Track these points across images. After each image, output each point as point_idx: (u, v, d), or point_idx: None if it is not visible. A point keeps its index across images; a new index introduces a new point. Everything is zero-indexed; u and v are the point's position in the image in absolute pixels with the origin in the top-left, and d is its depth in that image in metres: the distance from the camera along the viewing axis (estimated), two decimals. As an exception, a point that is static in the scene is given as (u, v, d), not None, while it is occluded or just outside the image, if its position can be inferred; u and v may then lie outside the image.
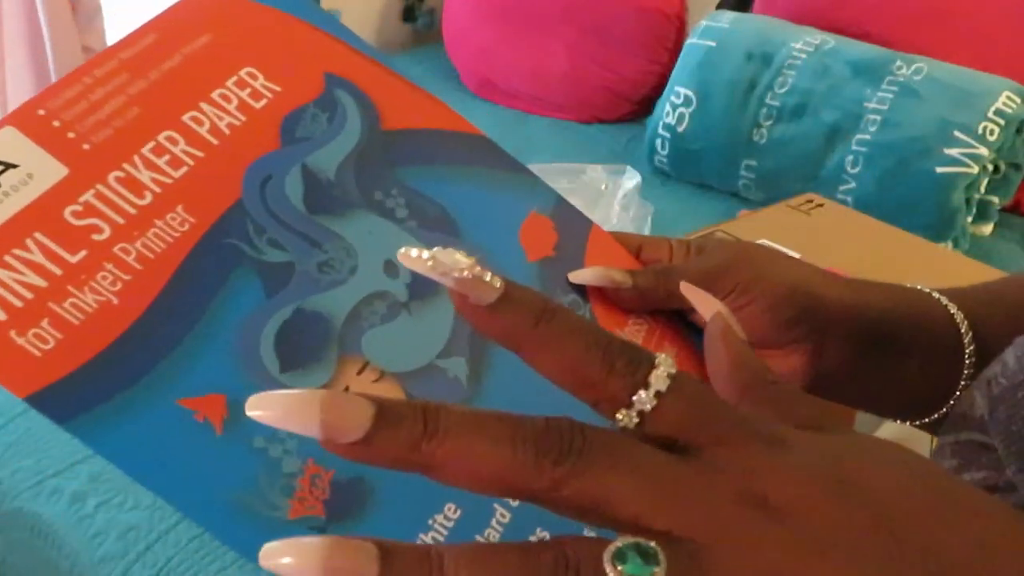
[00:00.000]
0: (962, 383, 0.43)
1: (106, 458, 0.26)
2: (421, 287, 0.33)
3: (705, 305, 0.36)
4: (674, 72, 1.88)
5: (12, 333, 0.26)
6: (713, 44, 1.83)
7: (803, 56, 1.76)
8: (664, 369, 0.24)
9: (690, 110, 1.82)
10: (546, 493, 0.22)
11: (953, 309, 0.44)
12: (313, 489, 0.28)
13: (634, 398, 0.24)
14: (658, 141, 1.87)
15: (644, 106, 2.08)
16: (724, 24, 1.86)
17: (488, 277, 0.24)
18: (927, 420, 0.44)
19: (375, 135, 0.36)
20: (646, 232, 1.43)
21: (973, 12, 1.80)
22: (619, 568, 0.21)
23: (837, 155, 1.69)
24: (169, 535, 1.08)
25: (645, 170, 1.83)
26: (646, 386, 0.24)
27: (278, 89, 0.35)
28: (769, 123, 1.75)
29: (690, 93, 1.82)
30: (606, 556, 0.21)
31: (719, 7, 2.10)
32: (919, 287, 0.45)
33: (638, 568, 0.21)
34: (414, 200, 0.35)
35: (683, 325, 0.42)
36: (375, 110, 0.36)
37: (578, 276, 0.39)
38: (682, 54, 1.89)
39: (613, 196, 1.65)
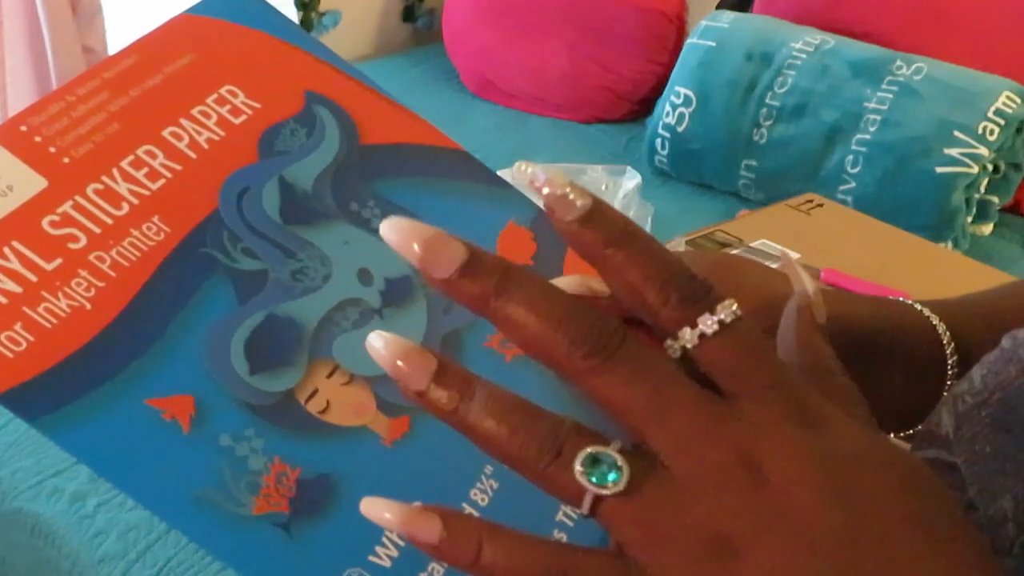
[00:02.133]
0: (944, 394, 0.43)
1: (74, 456, 0.27)
2: (394, 294, 0.34)
3: (797, 280, 0.36)
4: (674, 72, 1.88)
5: None
6: (713, 44, 1.83)
7: (803, 56, 1.76)
8: (721, 314, 0.25)
9: (690, 110, 1.82)
10: (571, 378, 0.25)
11: (935, 320, 0.44)
12: (279, 487, 0.29)
13: (679, 332, 0.25)
14: (658, 141, 1.87)
15: (644, 106, 2.08)
16: (724, 24, 1.86)
17: (573, 196, 0.26)
18: (910, 432, 0.44)
19: (353, 149, 0.37)
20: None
21: (973, 12, 1.80)
22: (582, 469, 0.24)
23: (837, 155, 1.69)
24: (169, 535, 1.08)
25: (645, 170, 1.83)
26: (693, 325, 0.25)
27: (258, 106, 0.36)
28: (769, 123, 1.75)
29: (690, 93, 1.82)
30: (580, 455, 0.24)
31: (719, 7, 2.10)
32: (901, 299, 0.45)
33: (597, 476, 0.24)
34: (390, 211, 0.36)
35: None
36: (354, 126, 0.37)
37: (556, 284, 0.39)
38: (682, 54, 1.90)
39: (613, 196, 1.65)
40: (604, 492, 0.24)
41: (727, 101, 1.78)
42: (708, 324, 0.25)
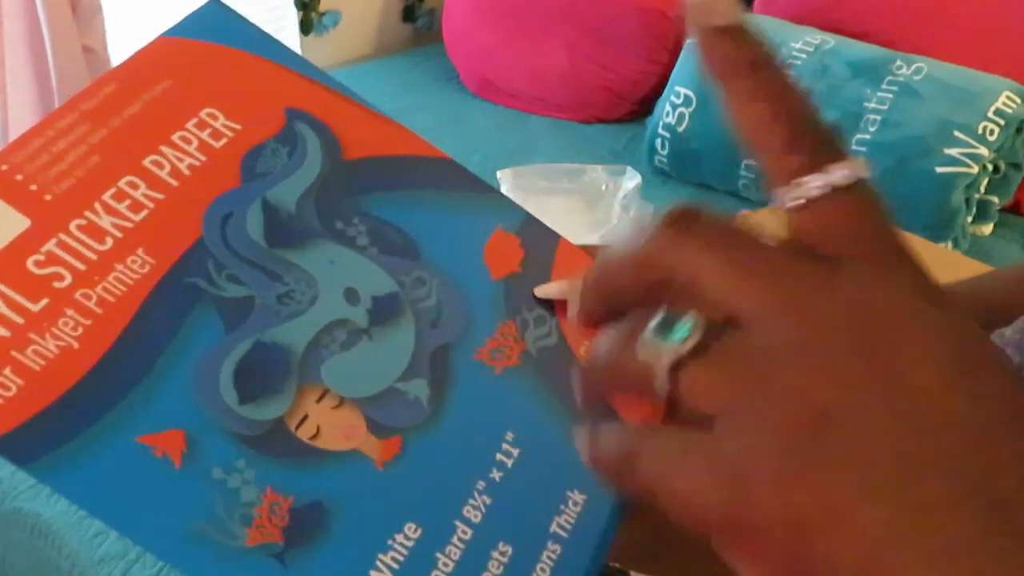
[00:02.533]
0: None
1: (68, 498, 0.27)
2: (382, 312, 0.34)
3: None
4: (674, 72, 1.88)
5: None
6: (713, 44, 1.83)
7: (803, 56, 1.76)
8: (848, 170, 0.23)
9: (690, 110, 1.82)
10: (657, 256, 0.23)
11: None
12: (272, 517, 0.29)
13: (805, 179, 0.23)
14: (658, 141, 1.87)
15: (644, 106, 2.08)
16: (724, 24, 1.86)
17: (722, 4, 0.24)
18: None
19: (336, 166, 0.36)
20: (646, 232, 1.43)
21: (973, 12, 1.80)
22: (653, 333, 0.23)
23: (837, 155, 1.69)
24: (169, 535, 1.08)
25: (645, 170, 1.83)
26: (824, 171, 0.23)
27: (238, 127, 0.36)
28: (769, 123, 1.76)
29: (690, 93, 1.82)
30: (651, 323, 0.23)
31: (719, 7, 2.10)
32: None
33: (665, 338, 0.22)
34: (375, 227, 0.36)
35: None
36: (336, 141, 0.37)
37: (543, 290, 0.38)
38: (682, 54, 1.90)
39: (613, 196, 1.65)
40: (677, 352, 0.22)
41: (727, 101, 1.78)
42: (840, 175, 0.23)
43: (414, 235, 0.36)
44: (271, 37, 0.39)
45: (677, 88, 1.84)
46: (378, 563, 0.29)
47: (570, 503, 0.32)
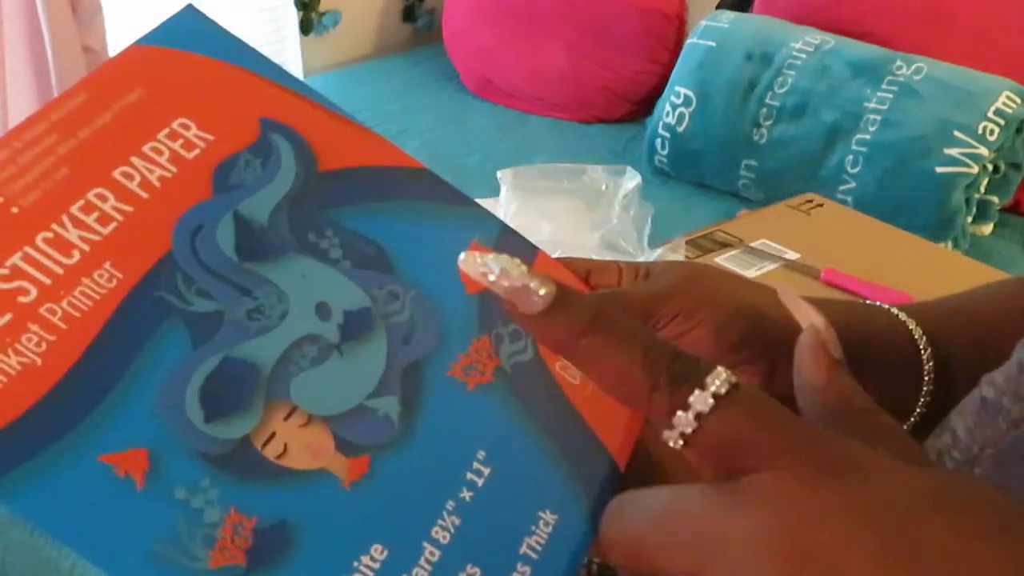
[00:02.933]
0: (921, 400, 0.42)
1: (26, 519, 0.26)
2: (353, 327, 0.33)
3: (801, 315, 0.33)
4: (674, 72, 1.88)
5: None
6: (713, 44, 1.83)
7: (803, 56, 1.76)
8: (713, 386, 0.23)
9: (690, 110, 1.82)
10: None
11: (912, 325, 0.43)
12: (235, 538, 0.28)
13: (674, 420, 0.23)
14: (658, 141, 1.87)
15: (644, 106, 2.08)
16: (724, 24, 1.86)
17: (536, 284, 0.24)
18: None
19: (311, 177, 0.36)
20: (647, 232, 1.43)
21: (973, 12, 1.80)
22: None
23: (837, 155, 1.69)
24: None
25: (645, 170, 1.83)
26: (686, 407, 0.23)
27: (211, 138, 0.35)
28: (769, 123, 1.75)
29: (690, 93, 1.82)
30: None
31: (719, 7, 2.10)
32: (875, 303, 0.44)
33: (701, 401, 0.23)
34: (348, 240, 0.35)
35: None
36: (311, 152, 0.36)
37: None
38: (682, 54, 1.90)
39: (613, 196, 1.65)
40: None
41: (727, 101, 1.78)
42: (702, 402, 0.23)
43: (388, 248, 0.36)
44: (247, 46, 0.38)
45: (677, 88, 1.84)
46: None
47: (541, 523, 0.31)
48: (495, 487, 0.32)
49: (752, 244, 1.05)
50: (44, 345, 0.29)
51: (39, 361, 0.28)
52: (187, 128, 0.35)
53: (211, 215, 0.33)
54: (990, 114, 1.59)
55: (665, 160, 1.88)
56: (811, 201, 1.18)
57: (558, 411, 0.35)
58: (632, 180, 1.65)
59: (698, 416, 0.23)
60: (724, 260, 1.02)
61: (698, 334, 0.40)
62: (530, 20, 2.15)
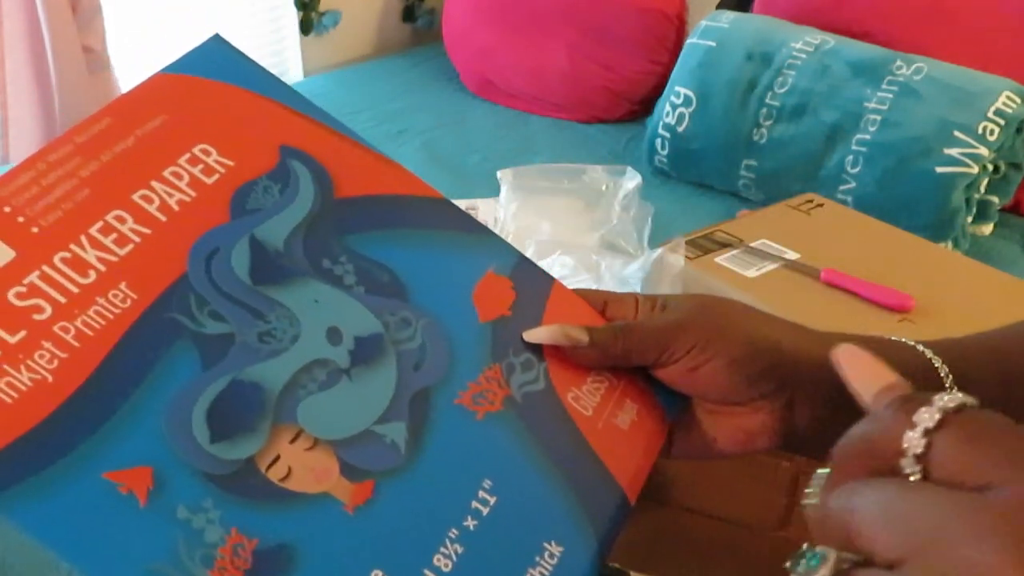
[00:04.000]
0: None
1: (27, 533, 0.26)
2: (364, 352, 0.33)
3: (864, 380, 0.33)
4: (674, 72, 1.88)
5: None
6: (713, 44, 1.83)
7: (803, 56, 1.76)
8: (940, 402, 0.26)
9: (690, 110, 1.82)
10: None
11: (938, 363, 0.42)
12: (235, 559, 0.28)
13: (904, 437, 0.26)
14: (658, 141, 1.87)
15: (644, 106, 2.08)
16: (724, 24, 1.86)
17: None
18: None
19: (328, 204, 0.36)
20: (647, 232, 1.43)
21: (973, 12, 1.80)
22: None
23: (837, 155, 1.69)
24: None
25: (645, 170, 1.83)
26: (912, 425, 0.26)
27: (231, 164, 0.35)
28: (769, 123, 1.75)
29: (690, 93, 1.82)
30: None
31: (719, 7, 2.10)
32: (900, 339, 0.43)
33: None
34: (363, 266, 0.35)
35: (645, 381, 0.41)
36: (329, 179, 0.37)
37: (533, 335, 0.38)
38: (682, 54, 1.89)
39: (613, 196, 1.65)
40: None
41: (727, 101, 1.78)
42: (946, 398, 0.25)
43: (402, 275, 0.36)
44: (271, 74, 0.38)
45: (677, 88, 1.84)
46: None
47: (546, 554, 0.31)
48: (500, 516, 0.32)
49: (752, 244, 1.05)
50: (56, 362, 0.29)
51: (50, 378, 0.29)
52: (208, 154, 0.35)
53: (227, 239, 0.34)
54: (990, 114, 1.59)
55: (665, 160, 1.88)
56: (811, 201, 1.18)
57: (568, 442, 0.35)
58: (632, 180, 1.65)
59: (926, 432, 0.25)
60: (724, 260, 1.02)
61: (713, 366, 0.39)
62: (530, 20, 2.15)
